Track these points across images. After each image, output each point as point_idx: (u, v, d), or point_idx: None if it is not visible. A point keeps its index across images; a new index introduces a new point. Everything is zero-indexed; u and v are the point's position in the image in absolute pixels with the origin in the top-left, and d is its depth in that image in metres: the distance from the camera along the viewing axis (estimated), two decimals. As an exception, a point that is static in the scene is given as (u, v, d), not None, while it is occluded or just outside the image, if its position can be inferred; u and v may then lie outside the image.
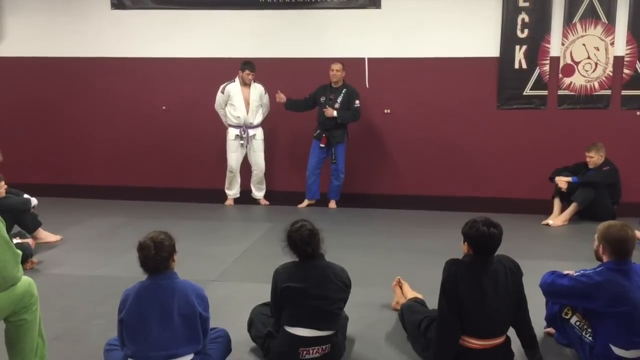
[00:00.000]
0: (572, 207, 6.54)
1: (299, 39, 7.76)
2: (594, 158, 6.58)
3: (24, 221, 5.62)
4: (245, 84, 7.16)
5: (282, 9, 7.73)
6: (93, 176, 8.33)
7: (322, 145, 7.17)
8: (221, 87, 7.22)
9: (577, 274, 3.37)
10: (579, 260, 4.55)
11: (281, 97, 7.23)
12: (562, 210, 6.63)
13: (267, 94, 7.33)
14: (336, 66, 7.06)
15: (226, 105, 7.24)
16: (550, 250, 5.70)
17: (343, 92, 7.10)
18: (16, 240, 5.01)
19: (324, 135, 7.14)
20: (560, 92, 7.44)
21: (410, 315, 3.68)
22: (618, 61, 7.28)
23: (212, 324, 3.37)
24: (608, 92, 7.36)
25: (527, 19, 7.34)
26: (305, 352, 3.32)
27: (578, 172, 6.67)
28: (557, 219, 6.56)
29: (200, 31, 7.90)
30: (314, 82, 7.24)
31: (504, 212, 6.71)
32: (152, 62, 8.03)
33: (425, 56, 7.59)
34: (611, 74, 7.31)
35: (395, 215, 7.02)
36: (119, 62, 8.08)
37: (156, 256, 2.96)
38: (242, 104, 7.18)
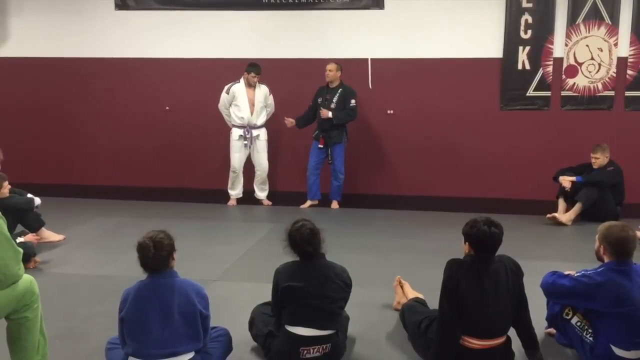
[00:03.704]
0: (577, 207, 6.53)
1: (302, 39, 7.76)
2: (600, 159, 6.57)
3: (27, 221, 5.64)
4: (250, 85, 7.17)
5: (285, 10, 7.73)
6: (96, 176, 8.35)
7: (320, 145, 7.18)
8: (226, 87, 7.23)
9: (578, 274, 3.37)
10: (582, 261, 4.53)
11: (290, 122, 7.22)
12: (567, 210, 6.63)
13: (271, 95, 7.33)
14: (330, 66, 7.05)
15: (230, 105, 7.25)
16: (553, 251, 5.68)
17: (339, 92, 7.09)
18: (19, 239, 5.03)
19: (321, 136, 7.14)
20: (563, 93, 7.42)
21: (411, 315, 3.69)
22: (622, 62, 7.26)
23: (214, 323, 3.38)
24: (612, 93, 7.34)
25: (530, 20, 7.33)
26: (305, 351, 3.33)
27: (582, 172, 6.67)
28: (563, 216, 6.55)
29: (204, 32, 7.91)
30: (316, 82, 7.24)
31: (507, 212, 6.69)
32: (156, 62, 8.05)
33: (429, 57, 7.58)
34: (615, 75, 7.28)
35: (398, 215, 7.01)
36: (123, 62, 8.10)
37: (156, 256, 2.96)
38: (246, 105, 7.19)
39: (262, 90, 7.24)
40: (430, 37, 7.55)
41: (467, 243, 3.25)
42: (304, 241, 3.34)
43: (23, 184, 6.12)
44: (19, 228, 5.60)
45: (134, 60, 8.08)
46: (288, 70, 7.69)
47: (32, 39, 8.23)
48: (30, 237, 5.30)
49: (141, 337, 2.95)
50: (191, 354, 3.02)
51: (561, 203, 6.69)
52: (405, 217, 6.95)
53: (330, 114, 7.02)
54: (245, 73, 7.14)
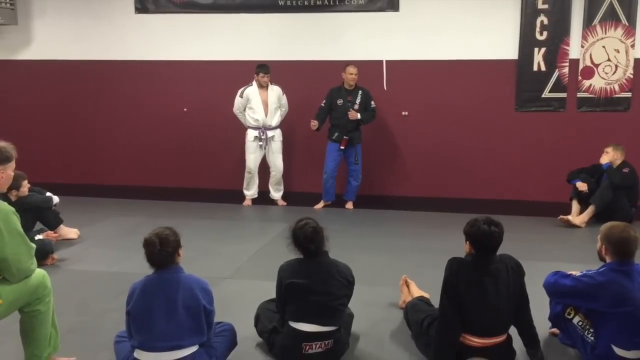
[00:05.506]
0: (590, 209, 6.50)
1: (318, 41, 7.82)
2: (609, 154, 6.56)
3: (46, 218, 5.78)
4: (262, 86, 7.26)
5: (302, 12, 7.79)
6: (114, 176, 8.50)
7: (342, 147, 7.22)
8: (239, 91, 7.33)
9: (580, 274, 3.39)
10: (593, 263, 4.44)
11: (315, 125, 7.21)
12: (581, 212, 6.60)
13: (285, 95, 7.41)
14: (354, 69, 7.10)
15: (245, 108, 7.35)
16: (565, 253, 5.65)
17: (359, 93, 7.16)
18: (39, 237, 5.17)
19: (345, 137, 7.20)
20: (579, 95, 7.38)
21: (414, 314, 3.73)
22: (638, 63, 7.18)
23: (223, 319, 3.47)
24: (628, 94, 7.28)
25: (546, 21, 7.30)
26: (308, 347, 3.39)
27: (594, 173, 6.65)
28: (576, 218, 6.52)
29: (221, 34, 8.02)
30: (332, 84, 7.29)
31: (520, 214, 6.73)
32: (174, 64, 8.17)
33: (444, 58, 7.59)
34: (631, 76, 7.22)
35: (411, 217, 7.03)
36: (142, 64, 8.24)
37: (161, 251, 3.05)
38: (260, 107, 7.28)
39: (274, 91, 7.32)
40: (445, 39, 7.55)
41: (468, 242, 3.29)
42: (306, 239, 3.41)
43: (43, 183, 6.25)
44: (38, 225, 5.75)
45: (153, 62, 8.22)
46: (304, 72, 7.76)
47: (54, 42, 8.41)
48: (48, 235, 5.43)
49: (146, 330, 3.04)
50: (195, 347, 3.10)
51: (575, 205, 6.66)
52: (417, 218, 6.97)
53: (359, 115, 7.10)
54: (255, 75, 7.23)
